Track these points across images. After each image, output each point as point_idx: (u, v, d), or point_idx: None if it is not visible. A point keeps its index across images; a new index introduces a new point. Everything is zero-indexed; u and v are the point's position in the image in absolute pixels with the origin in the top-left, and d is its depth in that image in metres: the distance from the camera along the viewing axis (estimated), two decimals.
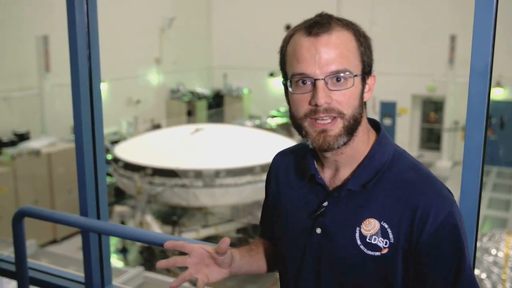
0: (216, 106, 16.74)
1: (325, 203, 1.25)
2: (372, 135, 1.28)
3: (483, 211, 10.31)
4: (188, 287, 4.27)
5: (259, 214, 1.59)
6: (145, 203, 8.47)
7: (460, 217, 1.17)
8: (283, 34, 1.27)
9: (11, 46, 10.42)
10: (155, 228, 8.35)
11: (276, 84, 16.29)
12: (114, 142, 11.61)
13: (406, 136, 14.99)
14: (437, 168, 13.46)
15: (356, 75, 1.17)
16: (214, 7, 17.35)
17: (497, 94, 13.56)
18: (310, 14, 1.24)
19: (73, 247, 8.67)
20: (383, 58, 11.56)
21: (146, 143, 10.13)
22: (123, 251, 8.77)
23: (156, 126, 14.16)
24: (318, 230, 1.25)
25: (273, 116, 14.68)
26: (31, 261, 2.51)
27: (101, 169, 2.28)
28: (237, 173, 8.36)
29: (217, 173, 8.27)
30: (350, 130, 1.18)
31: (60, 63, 9.85)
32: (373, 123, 1.30)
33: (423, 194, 1.16)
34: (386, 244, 1.17)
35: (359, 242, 1.19)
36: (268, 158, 3.80)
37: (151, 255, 8.45)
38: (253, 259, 1.45)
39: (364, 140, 1.24)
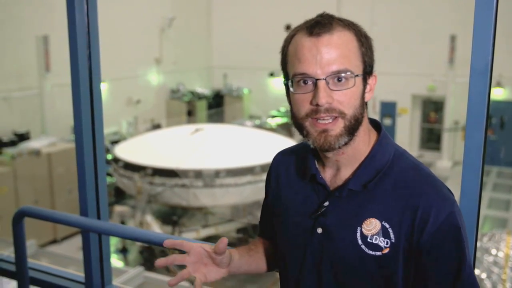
0: (216, 106, 16.74)
1: (326, 203, 1.25)
2: (373, 135, 1.28)
3: (483, 211, 10.31)
4: (187, 286, 4.28)
5: (259, 214, 1.59)
6: (145, 203, 8.47)
7: (460, 217, 1.17)
8: (283, 34, 1.27)
9: (11, 46, 10.43)
10: (155, 228, 8.35)
11: (276, 84, 16.29)
12: (114, 142, 11.61)
13: (406, 136, 14.99)
14: (437, 168, 13.47)
15: (357, 75, 1.17)
16: (214, 7, 17.35)
17: (497, 94, 13.57)
18: (310, 14, 1.24)
19: (73, 247, 8.67)
20: (383, 58, 11.55)
21: (146, 143, 10.13)
22: (123, 251, 8.77)
23: (156, 126, 14.16)
24: (319, 230, 1.25)
25: (273, 116, 14.68)
26: (31, 261, 2.51)
27: (101, 169, 2.28)
28: (237, 173, 8.36)
29: (217, 173, 8.27)
30: (351, 130, 1.18)
31: (60, 63, 9.86)
32: (374, 123, 1.31)
33: (424, 194, 1.16)
34: (387, 244, 1.17)
35: (360, 241, 1.19)
36: (268, 158, 3.79)
37: (151, 255, 8.45)
38: (252, 259, 1.45)
39: (365, 140, 1.25)
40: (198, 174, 8.24)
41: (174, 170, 8.25)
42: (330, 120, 1.16)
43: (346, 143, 1.19)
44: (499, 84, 13.26)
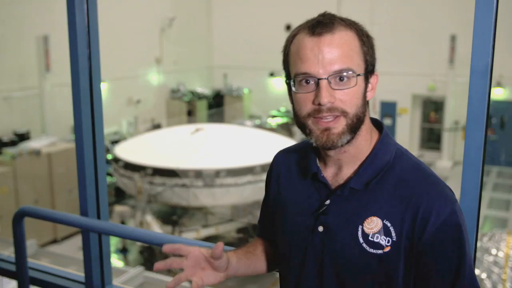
0: (216, 106, 16.73)
1: (328, 201, 1.25)
2: (375, 135, 1.28)
3: (483, 211, 10.31)
4: (187, 287, 4.27)
5: (259, 214, 1.58)
6: (145, 203, 8.47)
7: (462, 217, 1.17)
8: (283, 34, 1.27)
9: (12, 46, 10.43)
10: (156, 228, 8.35)
11: (276, 84, 16.29)
12: (115, 142, 11.61)
13: (407, 136, 14.98)
14: (437, 168, 13.47)
15: (359, 75, 1.17)
16: (214, 7, 17.34)
17: (497, 94, 13.56)
18: (310, 14, 1.24)
19: (73, 247, 8.67)
20: (383, 58, 11.51)
21: (146, 143, 10.13)
22: (123, 251, 8.77)
23: (157, 126, 14.15)
24: (320, 228, 1.25)
25: (273, 116, 14.68)
26: (31, 261, 2.51)
27: (102, 169, 2.28)
28: (238, 173, 8.36)
29: (217, 173, 8.27)
30: (353, 128, 1.18)
31: (60, 63, 9.86)
32: (375, 123, 1.31)
33: (425, 193, 1.16)
34: (388, 242, 1.17)
35: (361, 240, 1.20)
36: (268, 158, 3.79)
37: (151, 255, 8.46)
38: (249, 261, 1.45)
39: (367, 139, 1.25)
40: (198, 174, 8.24)
41: (174, 170, 8.25)
42: (332, 119, 1.16)
43: (348, 142, 1.20)
44: (499, 84, 13.26)
